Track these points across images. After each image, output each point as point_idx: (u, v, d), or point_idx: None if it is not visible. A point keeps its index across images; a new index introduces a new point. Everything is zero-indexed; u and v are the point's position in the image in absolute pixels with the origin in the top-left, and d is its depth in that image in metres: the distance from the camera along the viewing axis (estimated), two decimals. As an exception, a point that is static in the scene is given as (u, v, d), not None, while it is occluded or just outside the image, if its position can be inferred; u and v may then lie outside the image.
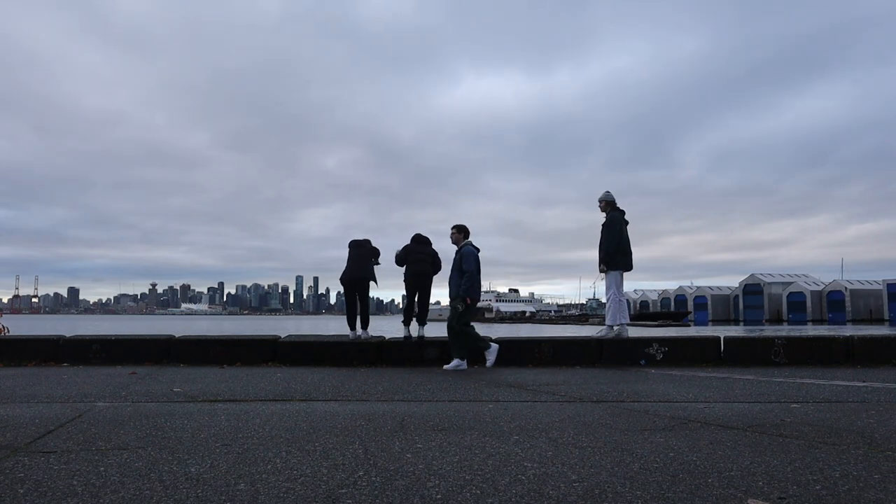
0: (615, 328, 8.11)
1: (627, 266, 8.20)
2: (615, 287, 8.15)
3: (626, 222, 8.28)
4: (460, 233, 7.80)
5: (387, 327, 36.90)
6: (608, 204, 8.25)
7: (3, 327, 13.37)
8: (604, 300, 8.38)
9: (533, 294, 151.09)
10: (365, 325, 8.23)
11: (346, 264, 8.35)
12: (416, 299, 8.20)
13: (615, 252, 8.13)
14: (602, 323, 8.40)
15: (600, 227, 8.30)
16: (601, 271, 8.24)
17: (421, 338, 7.96)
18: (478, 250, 7.82)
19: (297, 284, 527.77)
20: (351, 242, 8.51)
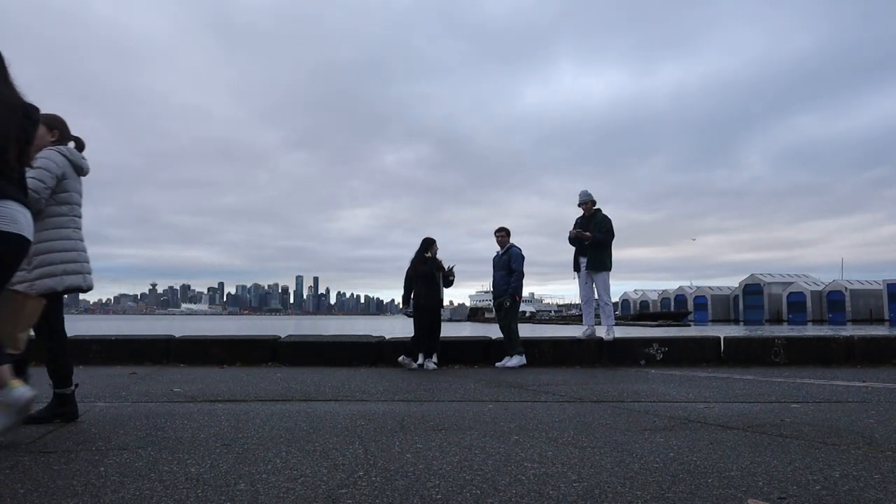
0: (587, 329, 8.18)
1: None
2: (608, 287, 8.18)
3: None
4: (508, 235, 8.04)
5: (387, 327, 36.90)
6: (593, 203, 8.25)
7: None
8: (604, 300, 8.31)
9: (533, 294, 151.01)
10: (431, 354, 7.49)
11: (415, 282, 7.68)
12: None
13: (609, 252, 8.14)
14: (599, 324, 8.38)
15: (576, 225, 8.30)
16: (590, 269, 8.18)
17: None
18: (519, 250, 7.97)
19: (297, 284, 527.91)
20: (420, 260, 7.81)
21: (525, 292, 8.02)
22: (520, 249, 7.94)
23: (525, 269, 7.91)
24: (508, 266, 7.83)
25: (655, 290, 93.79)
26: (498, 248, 8.05)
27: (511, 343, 7.56)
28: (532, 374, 6.66)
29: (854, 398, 4.60)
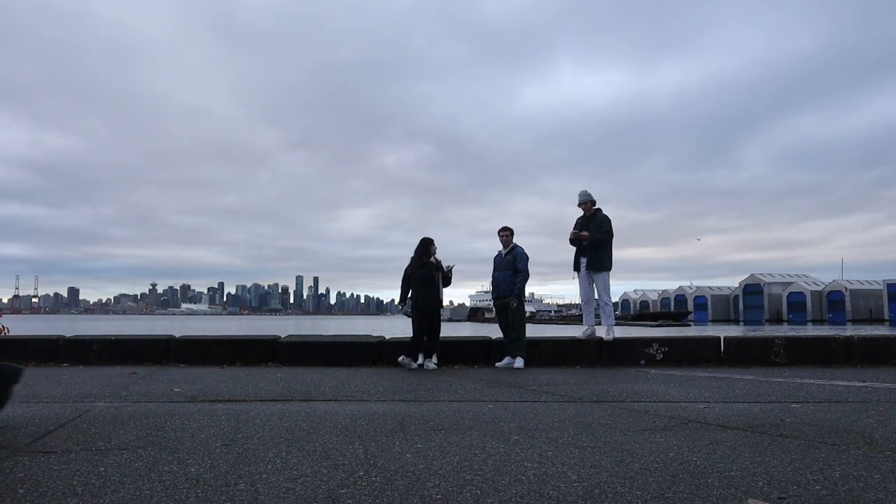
0: (587, 329, 8.18)
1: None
2: (608, 287, 8.18)
3: None
4: (512, 234, 8.03)
5: (387, 327, 36.89)
6: (593, 203, 8.24)
7: (3, 327, 13.36)
8: (605, 300, 8.31)
9: (533, 294, 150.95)
10: (431, 354, 7.52)
11: (414, 283, 7.68)
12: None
13: (610, 252, 8.14)
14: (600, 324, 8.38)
15: (576, 225, 8.30)
16: (589, 269, 8.17)
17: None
18: (523, 250, 7.98)
19: (297, 284, 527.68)
20: (419, 261, 7.82)
21: (525, 292, 8.01)
22: (523, 249, 7.94)
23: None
24: (513, 265, 7.81)
25: (655, 290, 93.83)
26: (500, 248, 8.04)
27: (519, 344, 7.56)
28: (532, 374, 6.66)
29: (854, 398, 4.60)
